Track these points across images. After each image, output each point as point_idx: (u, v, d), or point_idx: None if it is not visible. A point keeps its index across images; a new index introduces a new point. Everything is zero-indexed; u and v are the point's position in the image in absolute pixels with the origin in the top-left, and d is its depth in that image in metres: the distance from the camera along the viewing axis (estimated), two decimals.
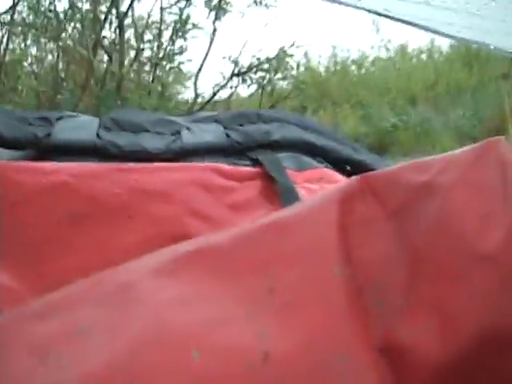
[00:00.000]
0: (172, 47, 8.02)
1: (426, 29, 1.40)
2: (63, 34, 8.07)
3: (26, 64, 8.70)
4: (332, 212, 0.45)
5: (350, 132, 9.70)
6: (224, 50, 8.15)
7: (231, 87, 8.15)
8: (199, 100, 8.29)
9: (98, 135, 0.76)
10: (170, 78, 8.30)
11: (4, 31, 7.83)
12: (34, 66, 8.69)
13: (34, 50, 8.65)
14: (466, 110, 9.67)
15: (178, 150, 0.76)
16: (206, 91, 8.28)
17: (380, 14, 1.35)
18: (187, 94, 8.65)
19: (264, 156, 0.77)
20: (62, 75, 8.16)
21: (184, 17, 7.56)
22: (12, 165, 0.72)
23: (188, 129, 0.80)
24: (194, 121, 0.86)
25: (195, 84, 8.39)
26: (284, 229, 0.45)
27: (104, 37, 8.16)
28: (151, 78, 7.97)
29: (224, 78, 8.17)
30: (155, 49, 8.15)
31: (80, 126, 0.79)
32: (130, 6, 7.37)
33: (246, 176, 0.75)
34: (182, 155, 0.77)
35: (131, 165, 0.73)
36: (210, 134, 0.80)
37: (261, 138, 0.79)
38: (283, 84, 8.49)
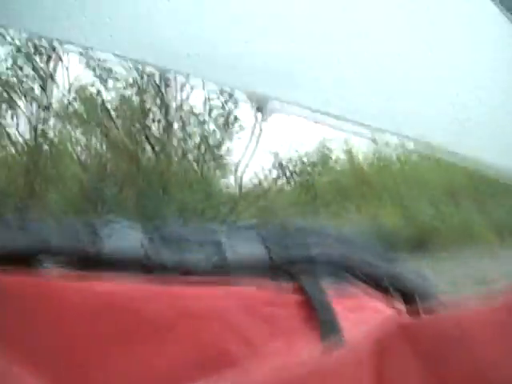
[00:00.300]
0: (218, 149, 8.12)
1: None
2: (111, 127, 8.23)
3: (71, 150, 8.92)
4: (370, 363, 0.45)
5: (390, 226, 9.67)
6: (265, 141, 8.26)
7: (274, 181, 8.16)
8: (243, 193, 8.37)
9: (142, 247, 0.76)
10: (216, 174, 8.36)
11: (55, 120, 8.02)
12: (80, 154, 8.90)
13: (82, 139, 8.90)
14: (508, 205, 9.59)
15: (219, 264, 0.76)
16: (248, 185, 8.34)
17: None
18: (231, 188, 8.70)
19: (302, 272, 0.77)
20: (108, 167, 8.24)
21: (231, 118, 7.66)
22: (59, 283, 0.72)
23: (229, 240, 0.80)
24: (234, 230, 0.87)
25: (240, 181, 8.50)
26: (323, 378, 0.45)
27: (151, 131, 8.34)
28: (198, 174, 8.05)
29: (267, 176, 8.26)
30: (202, 148, 8.24)
31: (125, 237, 0.79)
32: (180, 105, 7.48)
33: (286, 299, 0.74)
34: (222, 268, 0.76)
35: (175, 287, 0.73)
36: (250, 247, 0.80)
37: (300, 252, 0.79)
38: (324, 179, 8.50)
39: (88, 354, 0.69)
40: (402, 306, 0.80)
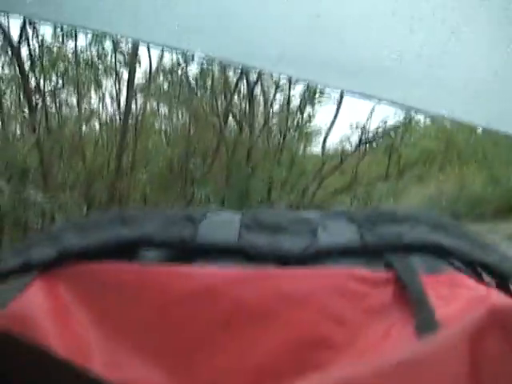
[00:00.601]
0: (301, 117, 8.08)
1: None
2: (194, 101, 8.33)
3: (156, 125, 9.11)
4: (463, 349, 0.45)
5: (477, 193, 9.41)
6: (351, 115, 8.16)
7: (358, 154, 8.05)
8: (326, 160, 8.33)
9: (239, 236, 0.79)
10: (299, 146, 8.32)
11: (142, 100, 8.19)
12: (165, 129, 9.07)
13: (167, 115, 9.07)
14: None
15: (314, 251, 0.77)
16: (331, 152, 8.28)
17: None
18: (314, 161, 8.65)
19: (397, 260, 0.76)
20: (193, 140, 8.35)
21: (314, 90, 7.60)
22: (161, 269, 0.75)
23: (324, 228, 0.81)
24: (328, 217, 0.86)
25: (323, 150, 8.48)
26: (419, 367, 0.45)
27: (234, 104, 8.40)
28: (280, 147, 8.03)
29: (351, 145, 8.19)
30: (284, 118, 8.23)
31: (222, 226, 0.82)
32: (260, 75, 7.48)
33: (380, 281, 0.74)
34: (318, 256, 0.77)
35: (272, 271, 0.74)
36: (344, 234, 0.80)
37: (394, 240, 0.79)
38: (410, 150, 8.31)
39: (192, 339, 0.71)
40: (495, 290, 0.75)
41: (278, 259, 0.76)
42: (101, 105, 8.55)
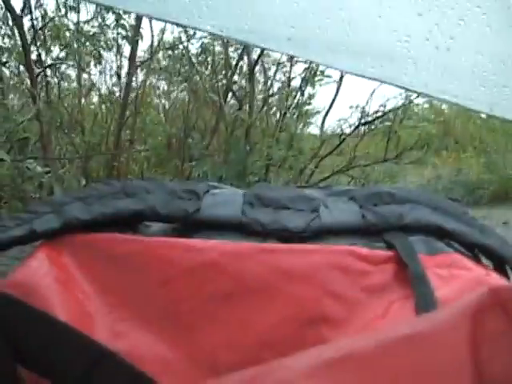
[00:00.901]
0: (301, 97, 8.06)
1: None
2: (195, 78, 8.29)
3: (156, 101, 9.08)
4: (464, 327, 0.47)
5: (474, 178, 9.44)
6: (350, 97, 8.12)
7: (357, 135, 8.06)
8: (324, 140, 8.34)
9: (243, 212, 0.82)
10: (298, 126, 8.32)
11: (142, 76, 8.16)
12: (165, 105, 9.05)
13: (167, 91, 9.04)
14: None
15: (316, 228, 0.80)
16: (331, 139, 8.28)
17: None
18: (312, 141, 8.65)
19: (397, 239, 0.79)
20: (192, 117, 8.34)
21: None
22: (165, 241, 0.79)
23: (325, 206, 0.84)
24: (330, 195, 0.90)
25: (321, 130, 8.47)
26: (420, 342, 0.47)
27: (235, 82, 8.37)
28: (279, 126, 8.02)
29: (350, 126, 8.18)
30: (284, 96, 8.21)
31: (226, 201, 0.85)
32: (261, 53, 7.45)
33: (380, 259, 0.77)
34: (319, 234, 0.80)
35: (274, 245, 0.78)
36: (346, 213, 0.83)
37: (394, 220, 0.82)
38: (409, 131, 8.32)
39: (194, 311, 0.74)
40: (493, 271, 0.80)
41: (279, 235, 0.79)
42: (101, 78, 8.52)
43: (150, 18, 6.46)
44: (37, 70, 7.06)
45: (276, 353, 0.67)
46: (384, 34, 1.20)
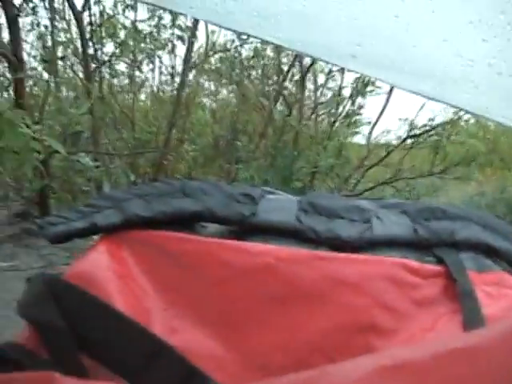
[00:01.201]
0: (351, 106, 8.08)
1: None
2: (246, 81, 8.36)
3: (206, 102, 9.16)
4: (511, 344, 0.48)
5: None
6: (399, 109, 8.10)
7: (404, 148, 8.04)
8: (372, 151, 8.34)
9: (297, 218, 0.83)
10: (347, 135, 8.33)
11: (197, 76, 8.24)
12: (215, 106, 9.13)
13: (217, 92, 9.13)
14: None
15: (368, 239, 0.81)
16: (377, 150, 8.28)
17: None
18: (358, 150, 8.66)
19: (447, 255, 0.79)
20: (240, 119, 8.40)
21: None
22: (221, 243, 0.79)
23: (378, 218, 0.85)
24: (382, 207, 0.91)
25: (368, 140, 8.48)
26: (470, 356, 0.47)
27: (285, 88, 8.42)
28: (328, 134, 8.05)
29: (398, 138, 8.19)
30: (334, 105, 8.24)
31: (281, 207, 0.86)
32: (313, 61, 7.49)
33: (431, 274, 0.77)
34: (371, 245, 0.81)
35: (328, 254, 0.78)
36: (398, 226, 0.84)
37: (446, 236, 0.82)
38: (455, 147, 8.29)
39: (247, 312, 0.75)
40: None
41: (332, 244, 0.81)
42: (153, 76, 8.64)
43: (220, 27, 6.52)
44: (93, 66, 7.17)
45: (325, 358, 0.71)
46: (448, 58, 1.22)
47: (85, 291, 0.66)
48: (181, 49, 8.05)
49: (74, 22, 7.13)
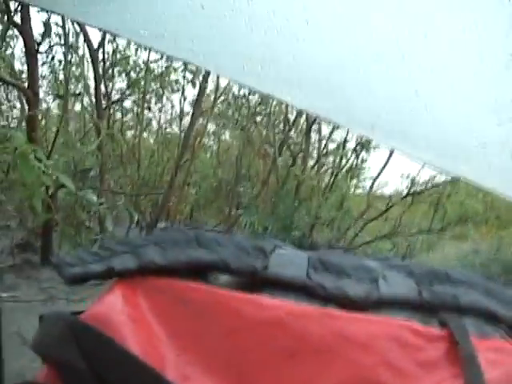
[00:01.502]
0: (355, 160, 8.20)
1: None
2: (252, 127, 8.47)
3: (210, 144, 9.25)
4: None
5: None
6: (401, 163, 8.18)
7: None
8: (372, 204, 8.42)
9: (307, 274, 0.84)
10: (348, 188, 8.43)
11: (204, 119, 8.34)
12: (218, 150, 9.21)
13: (222, 136, 9.24)
14: None
15: (375, 299, 0.82)
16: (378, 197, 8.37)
17: None
18: (358, 201, 8.75)
19: (451, 320, 0.80)
20: (244, 164, 8.49)
21: None
22: (234, 294, 0.80)
23: (384, 278, 0.86)
24: (389, 267, 0.92)
25: (368, 194, 8.57)
26: None
27: (290, 137, 8.54)
28: (330, 186, 8.14)
29: (398, 193, 8.29)
30: (337, 157, 8.35)
31: (292, 262, 0.87)
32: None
33: (435, 337, 0.78)
34: (377, 304, 0.82)
35: (337, 312, 0.79)
36: (404, 287, 0.85)
37: (449, 301, 0.83)
38: (455, 206, 8.40)
39: (257, 364, 0.75)
40: None
41: (339, 301, 0.81)
42: (161, 117, 8.75)
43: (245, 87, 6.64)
44: (104, 103, 7.27)
45: None
46: (464, 137, 1.29)
47: (103, 333, 0.69)
48: (190, 90, 8.15)
49: (87, 57, 7.23)
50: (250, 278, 0.85)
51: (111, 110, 7.87)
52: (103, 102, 7.26)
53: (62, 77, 7.45)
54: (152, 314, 0.79)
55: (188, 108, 8.52)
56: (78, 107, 8.14)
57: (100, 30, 5.80)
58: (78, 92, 7.70)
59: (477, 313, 0.83)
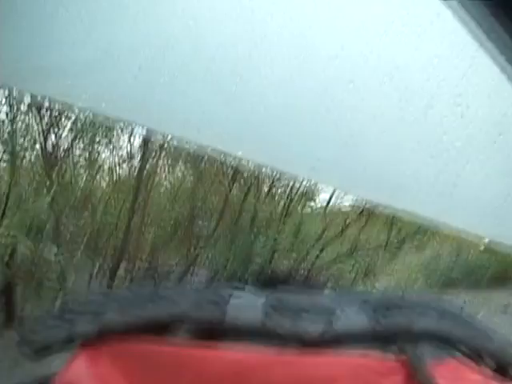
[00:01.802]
0: (307, 185, 8.28)
1: None
2: (203, 161, 8.50)
3: (164, 183, 9.23)
4: None
5: (473, 260, 9.50)
6: None
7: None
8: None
9: (266, 315, 0.84)
10: (302, 214, 8.51)
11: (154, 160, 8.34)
12: (172, 188, 9.19)
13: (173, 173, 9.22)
14: None
15: (331, 335, 0.82)
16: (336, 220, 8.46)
17: None
18: (315, 221, 8.83)
19: (408, 347, 0.81)
20: (198, 202, 8.51)
21: None
22: (196, 350, 0.81)
23: (341, 311, 0.86)
24: (345, 300, 0.94)
25: (324, 216, 8.64)
26: None
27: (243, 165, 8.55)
28: (284, 213, 8.21)
29: (354, 209, 8.39)
30: (290, 184, 8.42)
31: (248, 308, 0.87)
32: None
33: (391, 369, 0.79)
34: (335, 339, 0.82)
35: (294, 356, 0.80)
36: (359, 319, 0.85)
37: (404, 327, 0.83)
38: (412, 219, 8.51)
39: None
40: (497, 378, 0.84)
41: (299, 339, 0.82)
42: (112, 159, 8.70)
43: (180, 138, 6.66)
44: (52, 157, 7.23)
45: None
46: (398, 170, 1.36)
47: None
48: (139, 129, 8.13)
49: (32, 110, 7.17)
50: (209, 326, 0.85)
51: (61, 159, 7.79)
52: (52, 152, 7.23)
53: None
54: (117, 377, 0.80)
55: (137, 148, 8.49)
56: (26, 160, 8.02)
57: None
58: (25, 145, 7.61)
59: (432, 335, 0.85)
